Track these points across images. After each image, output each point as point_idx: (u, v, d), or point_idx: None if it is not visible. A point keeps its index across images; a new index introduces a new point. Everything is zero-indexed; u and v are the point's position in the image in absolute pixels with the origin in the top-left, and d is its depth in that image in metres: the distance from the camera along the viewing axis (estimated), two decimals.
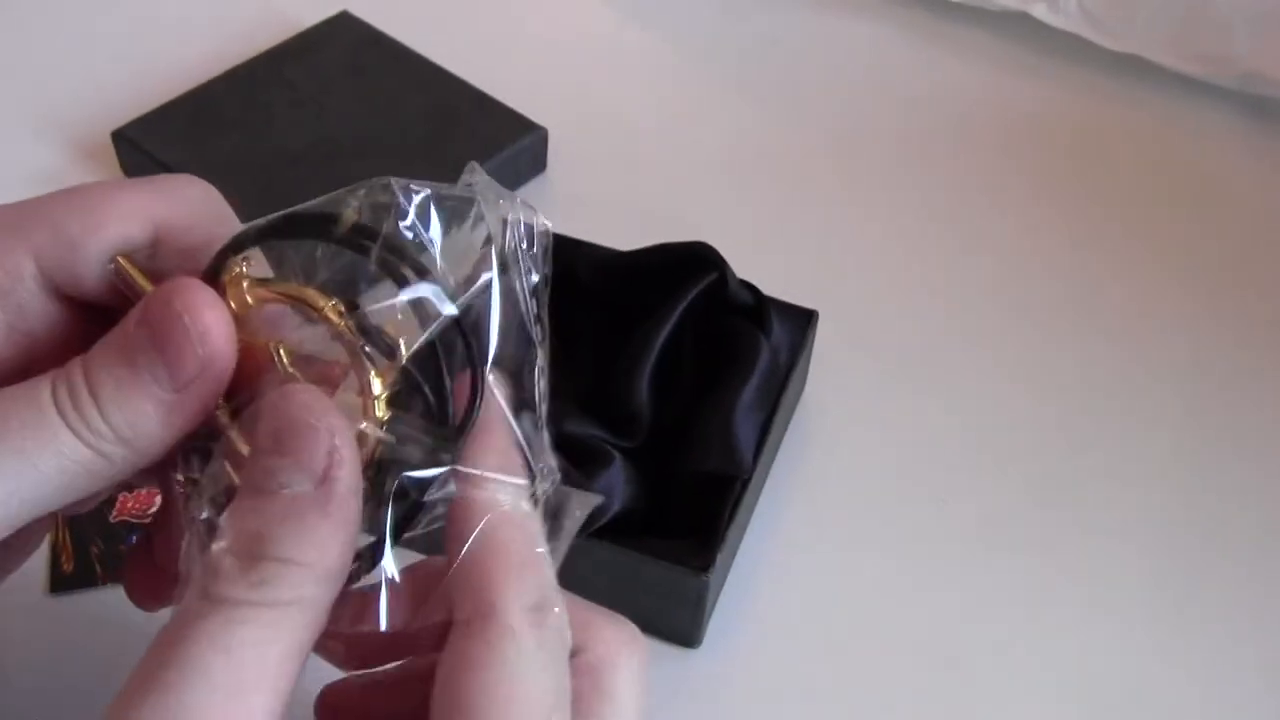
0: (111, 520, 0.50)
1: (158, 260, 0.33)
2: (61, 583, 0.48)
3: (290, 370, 0.31)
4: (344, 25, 0.68)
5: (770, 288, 0.52)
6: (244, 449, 0.30)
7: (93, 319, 0.33)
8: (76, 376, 0.30)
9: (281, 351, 0.31)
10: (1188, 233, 0.64)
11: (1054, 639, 0.48)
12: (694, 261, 0.51)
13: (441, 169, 0.61)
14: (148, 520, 0.50)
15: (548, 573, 0.31)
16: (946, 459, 0.54)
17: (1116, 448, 0.55)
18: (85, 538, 0.49)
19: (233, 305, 0.31)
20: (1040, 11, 0.72)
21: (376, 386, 0.30)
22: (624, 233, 0.55)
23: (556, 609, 0.30)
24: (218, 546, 0.28)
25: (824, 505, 0.52)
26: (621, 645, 0.31)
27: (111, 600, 0.48)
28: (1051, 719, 0.46)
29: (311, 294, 0.31)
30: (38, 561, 0.49)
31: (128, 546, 0.49)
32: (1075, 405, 0.56)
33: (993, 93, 0.72)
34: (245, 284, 0.31)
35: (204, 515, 0.30)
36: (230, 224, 0.33)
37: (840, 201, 0.65)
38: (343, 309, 0.30)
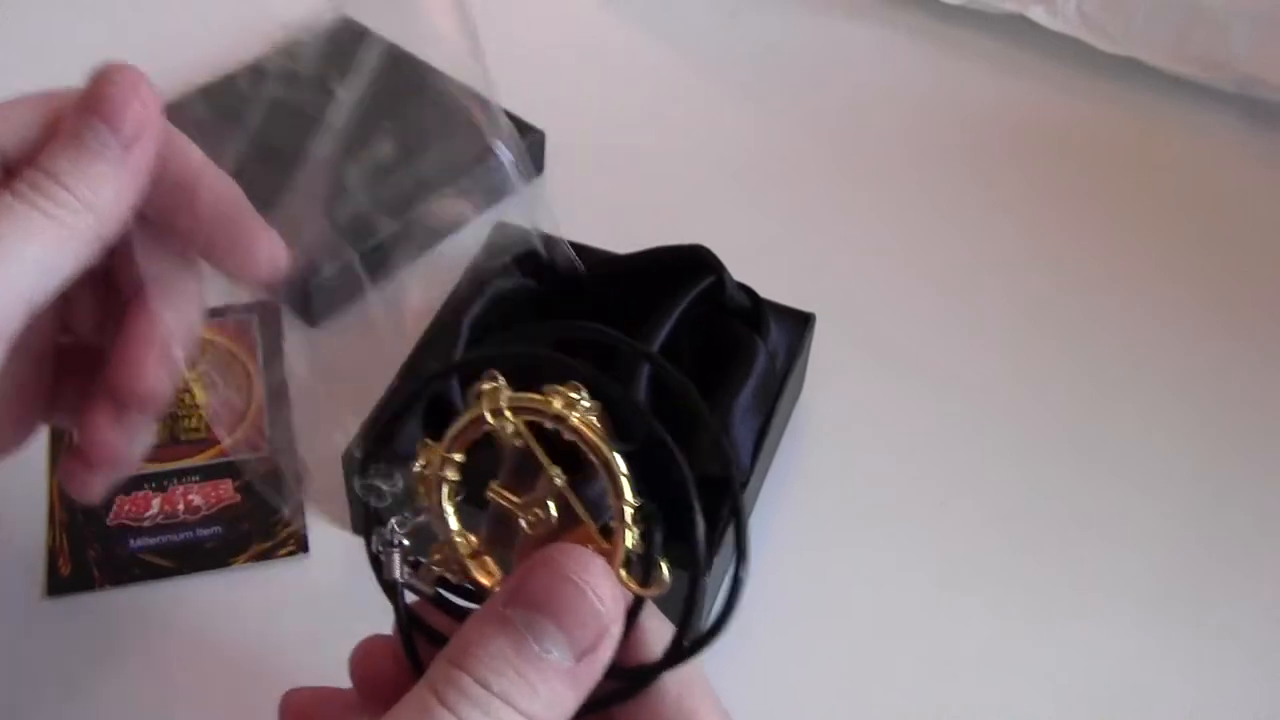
0: (109, 524, 0.50)
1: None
2: (59, 586, 0.48)
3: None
4: (342, 27, 0.68)
5: (767, 291, 0.52)
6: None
7: None
8: (34, 171, 0.33)
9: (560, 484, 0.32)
10: (1186, 234, 0.65)
11: (1054, 638, 0.48)
12: (691, 264, 0.51)
13: (439, 171, 0.61)
14: (145, 524, 0.50)
15: None
16: (944, 460, 0.54)
17: (1116, 447, 0.55)
18: (82, 541, 0.49)
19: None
20: (1039, 15, 0.72)
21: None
22: (621, 235, 0.55)
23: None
24: (465, 668, 0.28)
25: (821, 507, 0.52)
26: None
27: (109, 603, 0.48)
28: (1052, 718, 0.47)
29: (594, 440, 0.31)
30: (36, 564, 0.48)
31: (125, 551, 0.49)
32: (1074, 405, 0.56)
33: (991, 95, 0.72)
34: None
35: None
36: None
37: (837, 204, 0.65)
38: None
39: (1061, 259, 0.63)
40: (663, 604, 0.46)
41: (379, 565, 0.32)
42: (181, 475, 0.52)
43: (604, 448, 0.30)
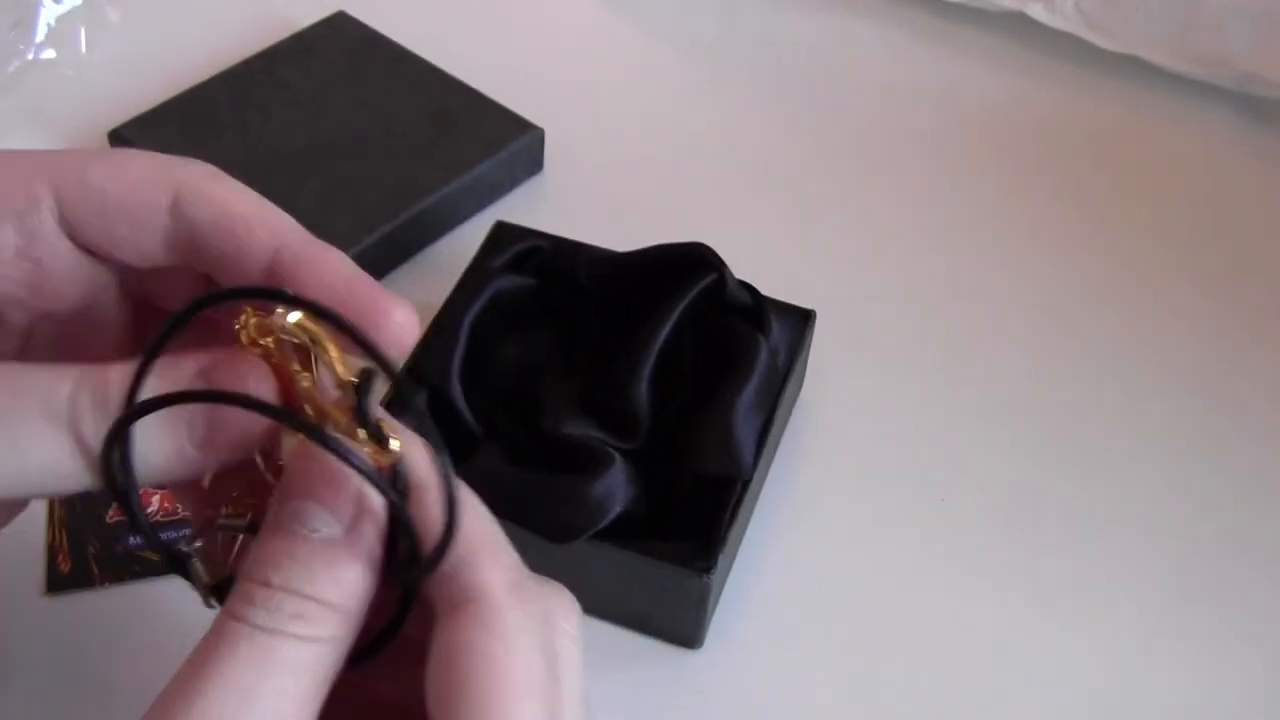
0: (108, 521, 0.50)
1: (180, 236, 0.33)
2: (59, 583, 0.48)
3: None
4: (341, 25, 0.68)
5: (768, 288, 0.52)
6: (270, 480, 0.31)
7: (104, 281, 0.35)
8: (108, 387, 0.30)
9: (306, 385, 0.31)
10: (1187, 231, 0.65)
11: (1055, 637, 0.48)
12: (692, 262, 0.51)
13: (438, 169, 0.61)
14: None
15: (514, 551, 0.32)
16: (946, 458, 0.54)
17: (1117, 445, 0.55)
18: (82, 538, 0.49)
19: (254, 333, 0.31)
20: (1037, 12, 0.72)
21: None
22: (621, 233, 0.55)
23: (531, 584, 0.31)
24: (250, 578, 0.29)
25: (823, 505, 0.52)
26: (569, 610, 0.32)
27: (109, 600, 0.48)
28: (1053, 717, 0.46)
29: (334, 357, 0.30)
30: (36, 561, 0.48)
31: (124, 547, 0.49)
32: (1075, 404, 0.56)
33: (990, 92, 0.72)
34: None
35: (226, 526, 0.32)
36: (248, 193, 0.34)
37: (837, 201, 0.65)
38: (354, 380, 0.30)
39: (1061, 255, 0.63)
40: (664, 602, 0.46)
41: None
42: None
43: (318, 332, 0.30)
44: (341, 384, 0.30)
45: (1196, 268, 0.63)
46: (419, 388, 0.49)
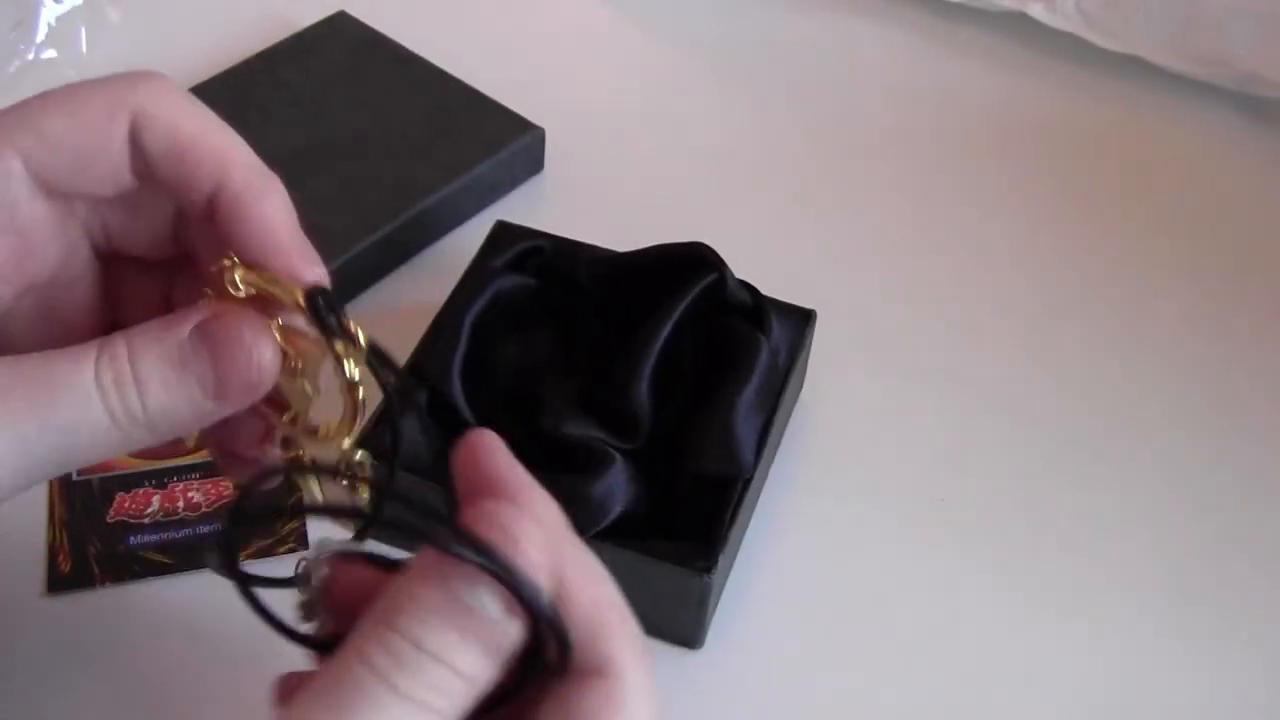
0: (109, 521, 0.50)
1: (144, 147, 0.34)
2: (59, 583, 0.48)
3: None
4: (341, 25, 0.68)
5: (769, 288, 0.52)
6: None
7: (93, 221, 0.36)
8: (123, 363, 0.32)
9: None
10: (1187, 232, 0.65)
11: (1055, 637, 0.48)
12: (693, 262, 0.51)
13: (439, 169, 0.61)
14: (145, 521, 0.50)
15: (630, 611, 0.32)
16: (946, 458, 0.54)
17: (1117, 445, 0.55)
18: (83, 538, 0.49)
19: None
20: (1038, 12, 0.72)
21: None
22: (622, 233, 0.55)
23: (646, 650, 0.31)
24: (396, 629, 0.28)
25: (824, 505, 0.52)
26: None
27: (109, 600, 0.48)
28: (1052, 716, 0.46)
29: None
30: (36, 561, 0.48)
31: (125, 547, 0.49)
32: (1075, 404, 0.56)
33: (991, 92, 0.72)
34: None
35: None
36: (199, 118, 0.35)
37: (838, 201, 0.65)
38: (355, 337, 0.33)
39: (1062, 255, 0.63)
40: (664, 602, 0.46)
41: None
42: (181, 472, 0.51)
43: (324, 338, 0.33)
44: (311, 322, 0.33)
45: (1197, 267, 0.63)
46: (420, 387, 0.49)
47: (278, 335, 0.34)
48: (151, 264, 0.38)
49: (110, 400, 0.32)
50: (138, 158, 0.34)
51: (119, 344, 0.33)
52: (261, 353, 0.33)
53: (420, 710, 0.28)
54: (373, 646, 0.28)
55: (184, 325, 0.33)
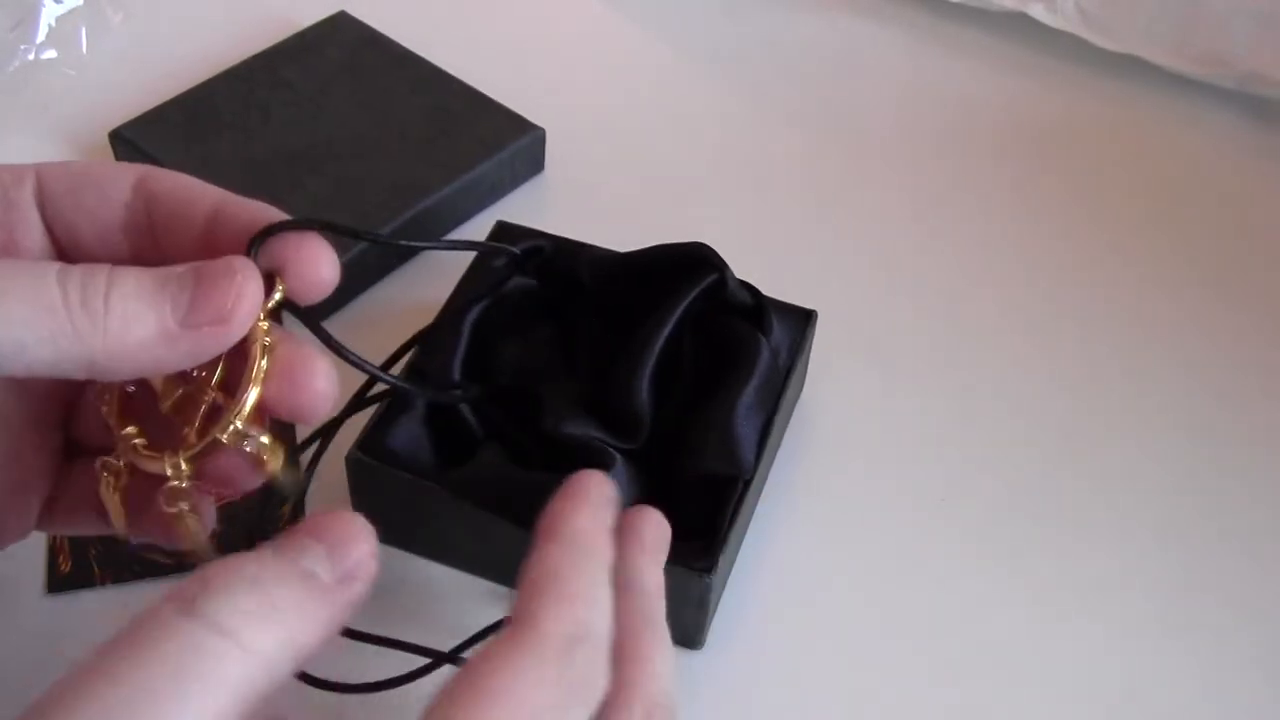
0: None
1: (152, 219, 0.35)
2: (60, 582, 0.48)
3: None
4: (342, 25, 0.68)
5: (769, 288, 0.52)
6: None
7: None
8: (99, 269, 0.31)
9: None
10: (1188, 232, 0.65)
11: (1055, 638, 0.48)
12: (693, 262, 0.51)
13: (439, 169, 0.61)
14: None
15: (603, 618, 0.33)
16: (947, 458, 0.54)
17: (1117, 446, 0.55)
18: (83, 538, 0.49)
19: None
20: (1038, 12, 0.72)
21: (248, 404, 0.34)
22: (622, 233, 0.55)
23: (592, 653, 0.32)
24: (219, 565, 0.29)
25: (824, 505, 0.52)
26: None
27: (109, 600, 0.48)
28: (1053, 716, 0.46)
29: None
30: (36, 561, 0.48)
31: (125, 548, 0.49)
32: (1075, 404, 0.56)
33: (992, 93, 0.72)
34: None
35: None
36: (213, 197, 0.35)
37: (838, 201, 0.65)
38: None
39: (1062, 255, 0.63)
40: (668, 602, 0.46)
41: None
42: None
43: (258, 345, 0.33)
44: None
45: (1198, 267, 0.63)
46: (421, 388, 0.49)
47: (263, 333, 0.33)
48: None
49: (70, 283, 0.30)
50: (140, 204, 0.35)
51: (98, 264, 0.32)
52: (244, 284, 0.32)
53: (224, 639, 0.27)
54: (186, 582, 0.28)
55: (182, 265, 0.32)
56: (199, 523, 0.35)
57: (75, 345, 0.30)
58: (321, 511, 0.31)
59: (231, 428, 0.33)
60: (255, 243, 0.33)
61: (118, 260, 0.34)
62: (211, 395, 0.34)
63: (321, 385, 0.34)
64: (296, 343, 0.34)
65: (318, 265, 0.34)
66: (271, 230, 0.34)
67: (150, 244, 0.35)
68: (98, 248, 0.35)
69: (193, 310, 0.31)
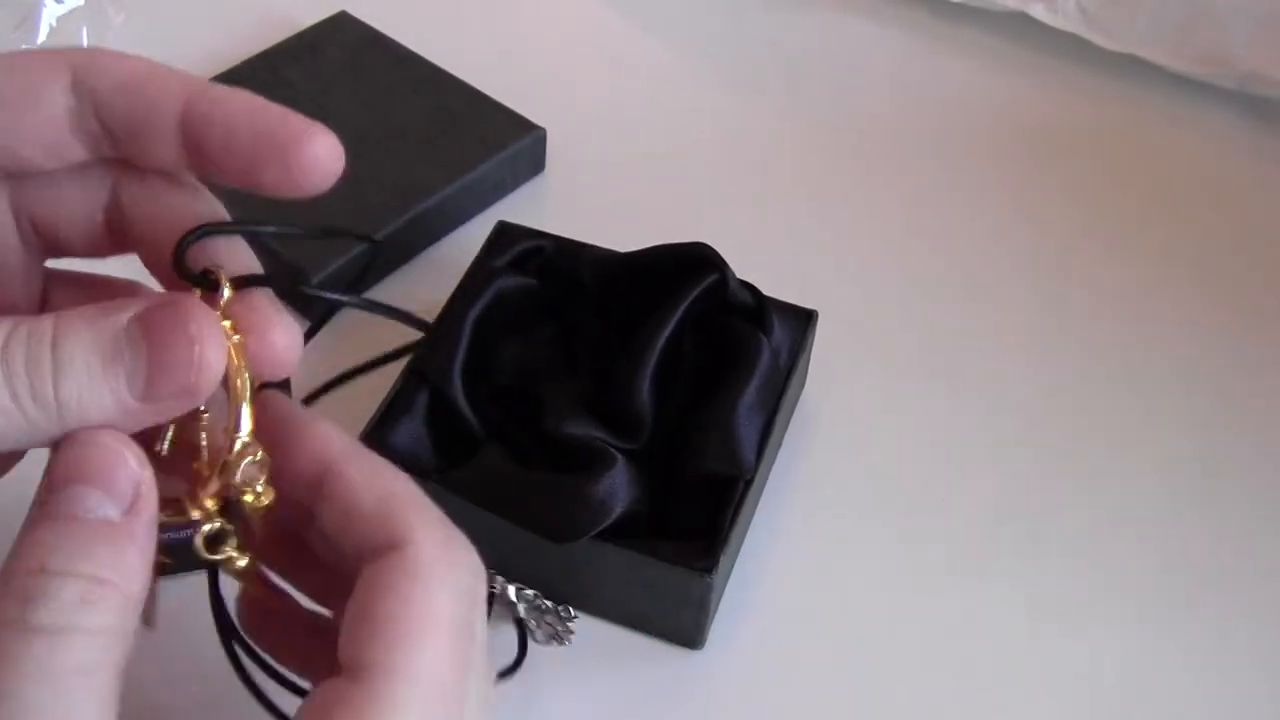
0: None
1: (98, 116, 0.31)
2: None
3: None
4: (342, 25, 0.68)
5: (770, 288, 0.52)
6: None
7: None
8: (43, 343, 0.28)
9: None
10: (1187, 232, 0.64)
11: (1056, 638, 0.48)
12: (694, 262, 0.51)
13: (440, 169, 0.61)
14: None
15: (441, 511, 0.32)
16: (947, 459, 0.54)
17: (1117, 446, 0.55)
18: None
19: None
20: (1039, 11, 0.72)
21: (247, 423, 0.31)
22: (623, 233, 0.55)
23: (460, 540, 0.32)
24: (20, 571, 0.27)
25: (825, 505, 0.52)
26: (483, 572, 0.32)
27: None
28: (1053, 717, 0.46)
29: None
30: None
31: None
32: (1076, 404, 0.56)
33: (992, 93, 0.72)
34: None
35: None
36: (150, 60, 0.32)
37: (839, 201, 0.65)
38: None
39: (1063, 256, 0.63)
40: (665, 603, 0.46)
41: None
42: None
43: (242, 376, 0.31)
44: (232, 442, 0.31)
45: (1197, 268, 0.63)
46: (421, 387, 0.49)
47: (230, 338, 0.31)
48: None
49: (15, 378, 0.28)
50: (85, 106, 0.31)
51: (44, 321, 0.29)
52: (204, 353, 0.29)
53: (71, 635, 0.27)
54: (2, 605, 0.27)
55: (123, 313, 0.29)
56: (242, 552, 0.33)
57: (33, 435, 0.29)
58: (66, 450, 0.29)
59: (243, 463, 0.31)
60: (184, 245, 0.31)
61: (83, 170, 0.32)
62: (201, 427, 0.32)
63: (284, 341, 0.32)
64: (251, 304, 0.31)
65: (272, 336, 0.31)
66: (198, 234, 0.31)
67: (114, 147, 0.32)
68: (47, 160, 0.32)
69: (150, 386, 0.29)
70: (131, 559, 0.28)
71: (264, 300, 0.32)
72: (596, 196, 0.64)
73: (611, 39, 0.74)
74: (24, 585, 0.27)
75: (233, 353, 0.31)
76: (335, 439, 0.33)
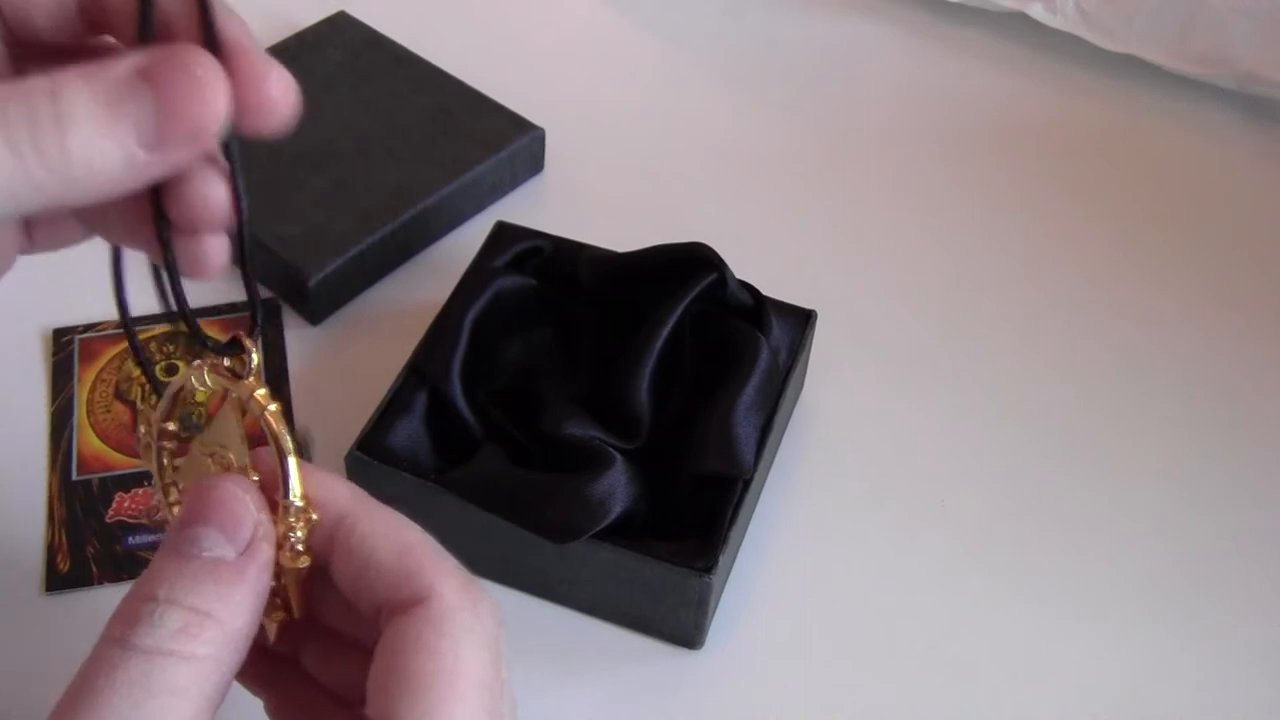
0: (107, 520, 0.50)
1: None
2: (57, 582, 0.48)
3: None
4: (342, 25, 0.68)
5: (769, 288, 0.52)
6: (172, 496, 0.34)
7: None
8: (42, 97, 0.27)
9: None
10: (1187, 232, 0.64)
11: (1055, 638, 0.48)
12: (693, 262, 0.51)
13: (439, 169, 0.61)
14: (143, 521, 0.50)
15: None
16: (946, 458, 0.54)
17: (1117, 445, 0.55)
18: (81, 538, 0.49)
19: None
20: (1037, 12, 0.72)
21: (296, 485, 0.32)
22: (622, 233, 0.55)
23: (477, 584, 0.32)
24: (133, 597, 0.29)
25: (824, 505, 0.52)
26: (498, 610, 0.33)
27: (106, 599, 0.48)
28: (1053, 715, 0.46)
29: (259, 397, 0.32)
30: (34, 560, 0.48)
31: (123, 548, 0.49)
32: (1075, 404, 0.56)
33: (991, 93, 0.72)
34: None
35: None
36: None
37: (838, 201, 0.65)
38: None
39: (1062, 255, 0.63)
40: (664, 602, 0.46)
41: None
42: None
43: (284, 440, 0.32)
44: (284, 504, 0.32)
45: (1197, 267, 0.63)
46: (420, 387, 0.49)
47: (266, 405, 0.32)
48: (58, 51, 0.33)
49: (16, 132, 0.26)
50: None
51: (40, 78, 0.27)
52: (213, 93, 0.27)
53: (167, 659, 0.28)
54: (110, 623, 0.29)
55: (122, 64, 0.27)
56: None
57: (34, 195, 0.27)
58: (194, 492, 0.31)
59: (302, 516, 0.32)
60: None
61: None
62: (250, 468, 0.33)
63: (277, 91, 0.29)
64: (243, 56, 0.29)
65: (267, 85, 0.29)
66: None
67: None
68: None
69: (160, 133, 0.27)
70: (240, 597, 0.30)
71: (254, 52, 0.29)
72: (595, 196, 0.64)
73: (611, 39, 0.74)
74: (134, 609, 0.29)
75: (271, 418, 0.32)
76: (345, 491, 0.33)
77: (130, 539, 0.49)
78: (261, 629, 0.32)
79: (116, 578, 0.48)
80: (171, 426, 0.35)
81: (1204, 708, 0.47)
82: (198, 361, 0.33)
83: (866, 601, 0.49)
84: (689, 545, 0.45)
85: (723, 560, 0.45)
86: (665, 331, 0.50)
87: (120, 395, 0.54)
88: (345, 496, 0.33)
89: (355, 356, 0.55)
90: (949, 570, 0.50)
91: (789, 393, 0.51)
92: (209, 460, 0.33)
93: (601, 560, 0.45)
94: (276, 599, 0.33)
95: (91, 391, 0.54)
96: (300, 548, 0.32)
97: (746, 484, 0.47)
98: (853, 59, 0.73)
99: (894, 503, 0.52)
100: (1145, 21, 0.70)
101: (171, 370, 0.55)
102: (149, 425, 0.35)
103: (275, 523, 0.32)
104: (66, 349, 0.55)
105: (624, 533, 0.45)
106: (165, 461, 0.35)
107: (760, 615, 0.48)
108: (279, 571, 0.32)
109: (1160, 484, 0.54)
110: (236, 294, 0.57)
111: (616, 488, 0.45)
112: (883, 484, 0.53)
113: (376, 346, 0.56)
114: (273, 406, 0.32)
